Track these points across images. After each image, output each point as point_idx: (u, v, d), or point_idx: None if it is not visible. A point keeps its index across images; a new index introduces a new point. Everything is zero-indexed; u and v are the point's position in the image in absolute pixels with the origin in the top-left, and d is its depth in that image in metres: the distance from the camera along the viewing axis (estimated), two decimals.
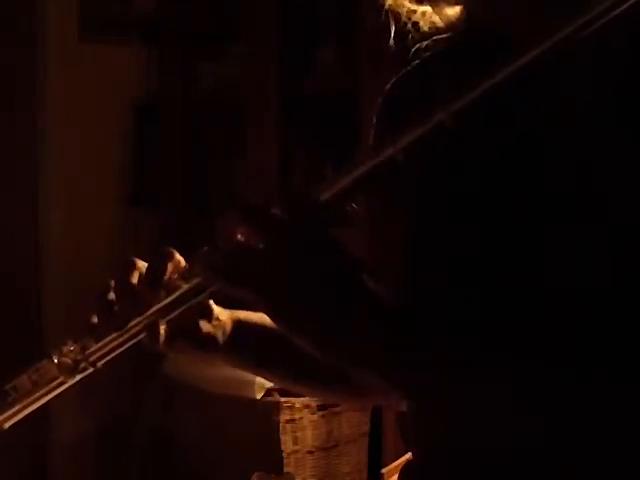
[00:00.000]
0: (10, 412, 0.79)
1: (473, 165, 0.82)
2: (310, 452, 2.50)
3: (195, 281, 0.77)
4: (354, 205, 0.78)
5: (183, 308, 0.78)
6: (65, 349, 0.78)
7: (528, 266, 0.78)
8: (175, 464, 2.69)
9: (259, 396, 2.47)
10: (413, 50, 0.91)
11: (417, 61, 0.92)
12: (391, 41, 0.88)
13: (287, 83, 2.91)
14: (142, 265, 0.83)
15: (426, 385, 0.74)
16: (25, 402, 0.79)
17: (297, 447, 2.48)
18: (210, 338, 0.87)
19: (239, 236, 0.74)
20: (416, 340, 0.73)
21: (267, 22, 2.86)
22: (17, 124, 2.82)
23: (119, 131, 3.03)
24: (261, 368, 0.96)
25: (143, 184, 3.06)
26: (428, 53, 0.91)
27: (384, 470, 2.27)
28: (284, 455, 2.45)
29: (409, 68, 0.93)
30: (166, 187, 3.10)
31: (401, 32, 0.87)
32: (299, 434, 2.47)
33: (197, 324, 0.86)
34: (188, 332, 0.85)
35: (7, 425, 0.79)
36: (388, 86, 0.95)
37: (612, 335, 0.74)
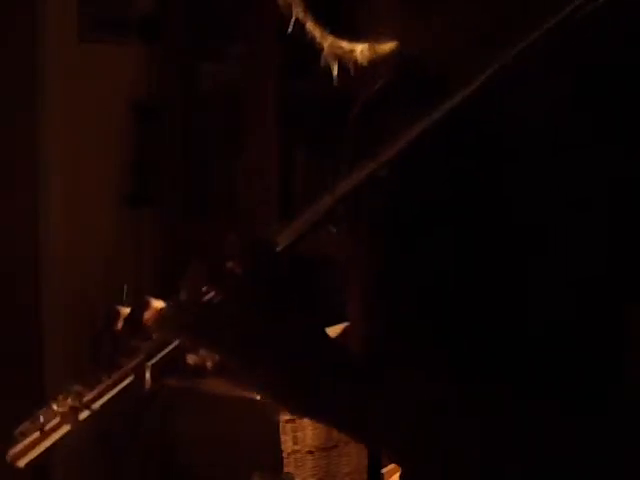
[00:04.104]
0: (22, 449, 0.84)
1: (436, 198, 0.83)
2: (310, 452, 2.50)
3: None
4: (332, 229, 0.80)
5: (165, 352, 0.81)
6: (62, 398, 0.84)
7: (498, 294, 0.77)
8: (175, 464, 2.69)
9: (259, 396, 2.47)
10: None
11: (359, 108, 0.95)
12: (335, 81, 0.89)
13: (287, 83, 2.91)
14: (125, 312, 0.86)
15: (397, 444, 0.75)
16: (34, 444, 0.84)
17: (297, 447, 2.48)
18: (198, 367, 0.88)
19: (204, 289, 0.76)
20: (383, 394, 0.74)
21: (267, 22, 2.86)
22: (17, 124, 2.82)
23: (119, 131, 3.03)
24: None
25: (143, 184, 3.06)
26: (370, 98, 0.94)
27: (384, 470, 2.27)
28: (284, 455, 2.45)
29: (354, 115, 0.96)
30: (166, 187, 3.10)
31: (344, 70, 0.88)
32: (299, 434, 2.47)
33: (183, 357, 0.88)
34: (175, 367, 0.87)
35: (23, 463, 0.84)
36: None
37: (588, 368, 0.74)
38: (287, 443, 2.45)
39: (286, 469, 2.43)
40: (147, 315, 0.83)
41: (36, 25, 2.81)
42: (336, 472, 2.54)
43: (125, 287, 2.93)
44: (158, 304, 0.84)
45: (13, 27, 2.79)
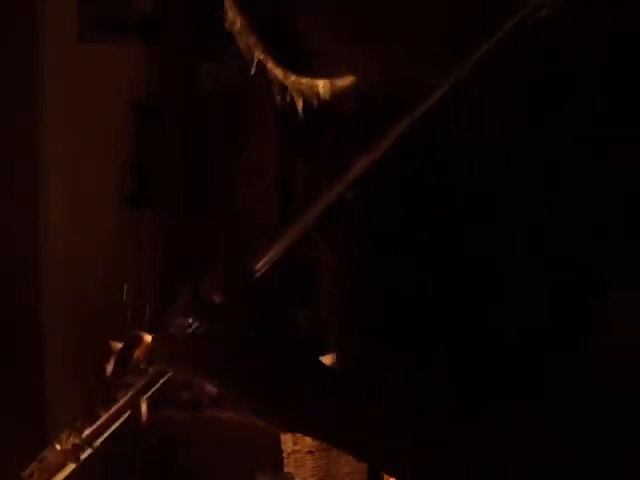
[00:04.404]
0: None
1: (405, 209, 0.86)
2: (310, 452, 2.50)
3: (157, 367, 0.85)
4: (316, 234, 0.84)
5: (158, 385, 0.85)
6: (64, 436, 0.88)
7: (469, 300, 0.79)
8: (176, 464, 2.69)
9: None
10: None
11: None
12: (301, 115, 0.92)
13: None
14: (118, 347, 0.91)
15: (384, 456, 0.77)
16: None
17: (297, 447, 2.47)
18: (193, 402, 0.93)
19: (189, 321, 0.80)
20: (367, 407, 0.76)
21: None
22: (17, 124, 2.82)
23: (119, 131, 3.03)
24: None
25: (143, 184, 3.07)
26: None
27: None
28: (284, 455, 2.45)
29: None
30: (166, 187, 3.10)
31: (309, 105, 0.92)
32: (299, 434, 2.47)
33: (178, 394, 0.92)
34: (169, 402, 0.91)
35: None
36: None
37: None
38: (287, 443, 2.45)
39: (286, 469, 2.43)
40: (140, 350, 0.87)
41: (36, 25, 2.81)
42: (336, 472, 2.54)
43: (125, 287, 2.93)
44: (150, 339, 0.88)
45: (13, 27, 2.79)
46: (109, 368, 0.88)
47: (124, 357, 0.87)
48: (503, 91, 0.78)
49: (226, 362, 0.78)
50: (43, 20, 2.81)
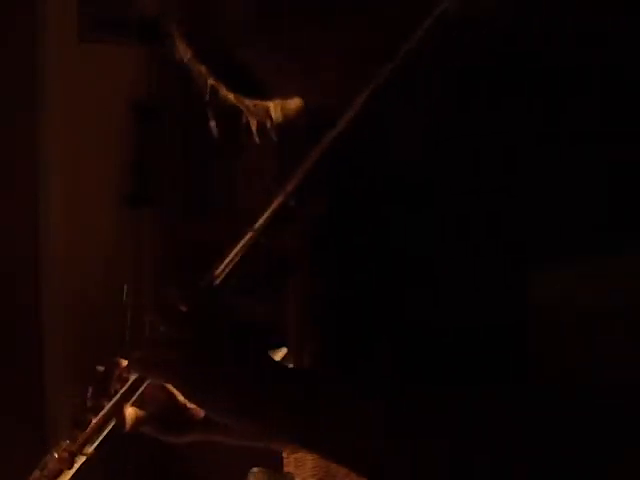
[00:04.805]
0: None
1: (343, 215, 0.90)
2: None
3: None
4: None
5: (138, 393, 0.89)
6: (63, 444, 0.92)
7: (409, 299, 0.81)
8: (175, 463, 2.68)
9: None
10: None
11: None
12: (255, 137, 0.96)
13: None
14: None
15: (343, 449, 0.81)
16: None
17: None
18: (178, 425, 0.97)
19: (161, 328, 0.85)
20: (324, 403, 0.80)
21: None
22: (17, 124, 2.82)
23: (119, 131, 3.03)
24: (245, 439, 1.02)
25: (143, 184, 3.07)
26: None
27: None
28: (284, 455, 2.45)
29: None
30: (166, 187, 3.10)
31: (262, 126, 0.96)
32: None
33: (164, 415, 0.96)
34: (154, 420, 0.96)
35: None
36: None
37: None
38: None
39: (286, 469, 2.43)
40: (119, 372, 0.92)
41: (36, 25, 2.81)
42: (336, 472, 2.53)
43: (125, 287, 2.93)
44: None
45: (13, 27, 2.79)
46: (90, 392, 0.92)
47: (104, 382, 0.92)
48: (430, 80, 0.80)
49: (194, 366, 0.81)
50: (43, 20, 2.81)
